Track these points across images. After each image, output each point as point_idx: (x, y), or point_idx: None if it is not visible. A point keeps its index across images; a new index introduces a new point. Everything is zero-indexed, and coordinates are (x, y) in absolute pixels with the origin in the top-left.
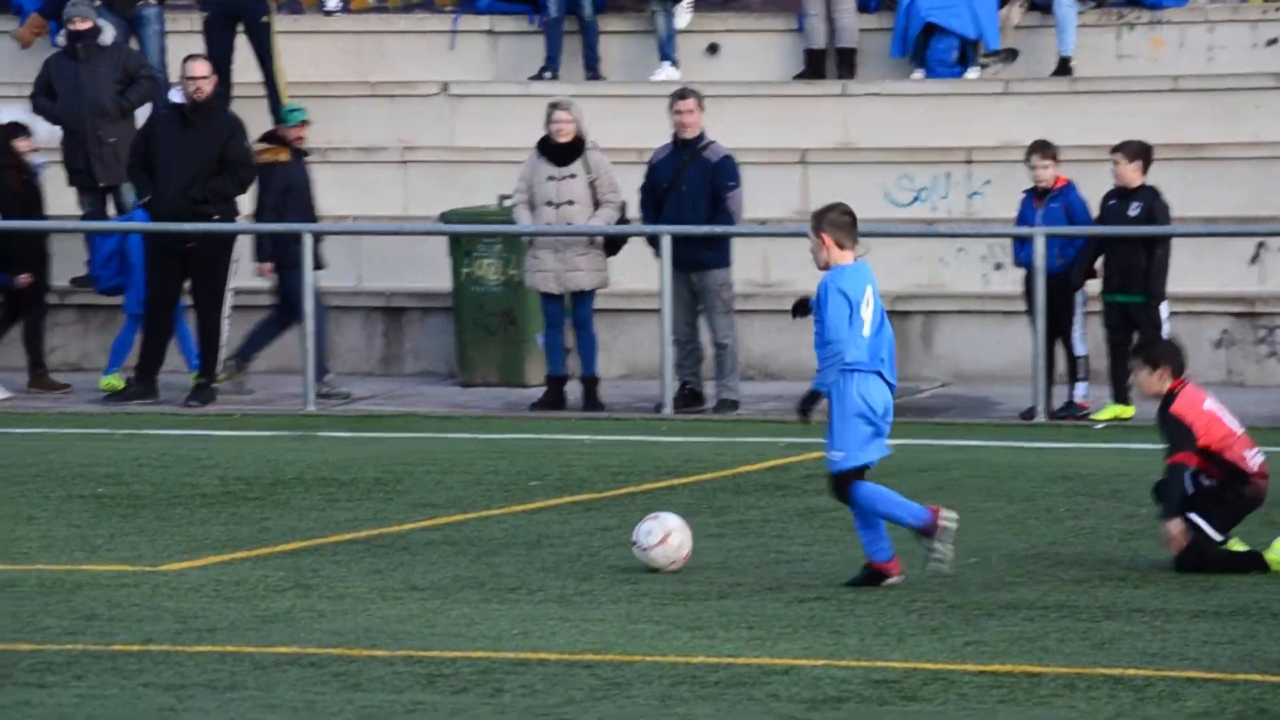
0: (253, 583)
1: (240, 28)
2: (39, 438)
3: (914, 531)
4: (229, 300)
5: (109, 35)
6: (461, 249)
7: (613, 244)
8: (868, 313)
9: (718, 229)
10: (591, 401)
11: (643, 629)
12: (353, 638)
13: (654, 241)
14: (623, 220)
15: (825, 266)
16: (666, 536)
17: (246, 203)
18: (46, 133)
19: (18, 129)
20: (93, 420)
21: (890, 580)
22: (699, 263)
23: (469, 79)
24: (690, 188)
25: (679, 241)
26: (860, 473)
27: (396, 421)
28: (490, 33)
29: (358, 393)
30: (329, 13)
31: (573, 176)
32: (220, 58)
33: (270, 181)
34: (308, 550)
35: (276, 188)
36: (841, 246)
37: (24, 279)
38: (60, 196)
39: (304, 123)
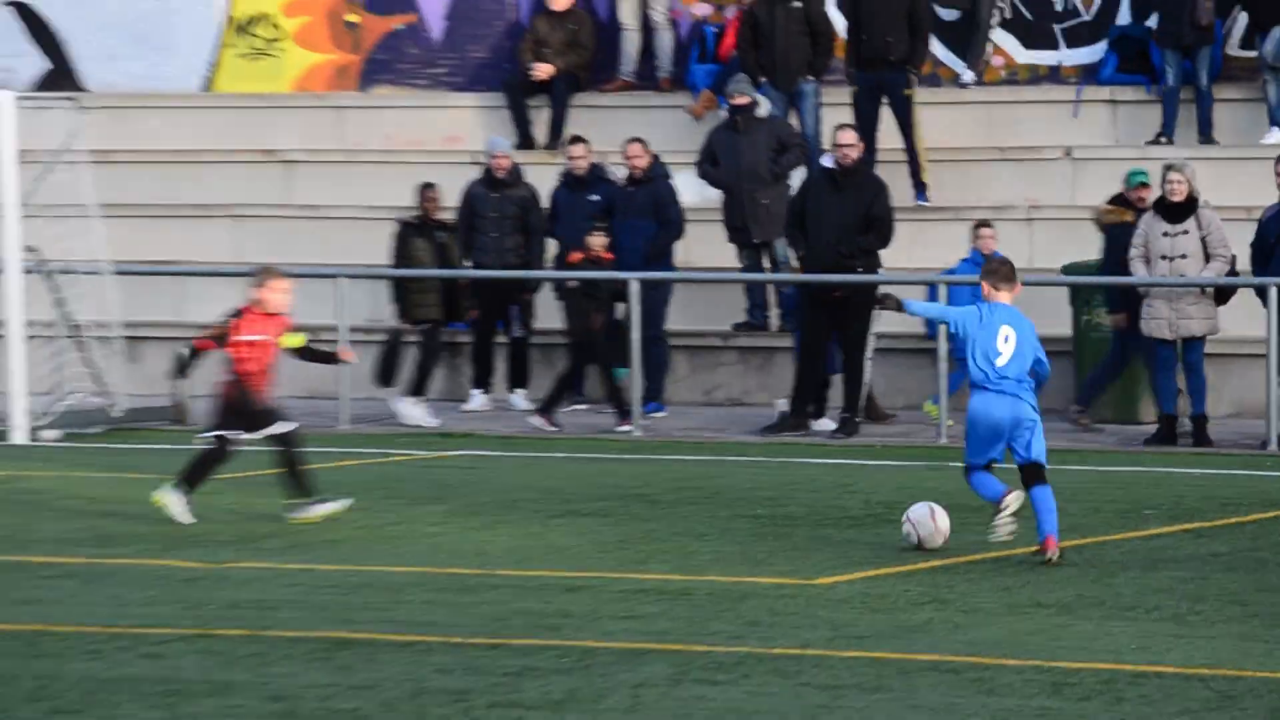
0: (895, 596)
1: (885, 100)
2: (707, 464)
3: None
4: (872, 344)
5: (764, 109)
6: (1081, 298)
7: (1222, 294)
8: (1006, 346)
9: None
10: (1201, 438)
11: (1253, 647)
12: (986, 648)
13: (1261, 293)
14: (1232, 272)
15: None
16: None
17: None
18: (714, 196)
19: None
20: (752, 449)
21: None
22: None
23: (1091, 143)
24: None
25: None
26: (974, 469)
27: None
28: (1111, 101)
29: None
30: (964, 85)
31: (1185, 233)
32: (867, 126)
33: (1117, 241)
34: (943, 568)
35: (1120, 246)
36: (996, 289)
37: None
38: (722, 251)
39: (1145, 184)
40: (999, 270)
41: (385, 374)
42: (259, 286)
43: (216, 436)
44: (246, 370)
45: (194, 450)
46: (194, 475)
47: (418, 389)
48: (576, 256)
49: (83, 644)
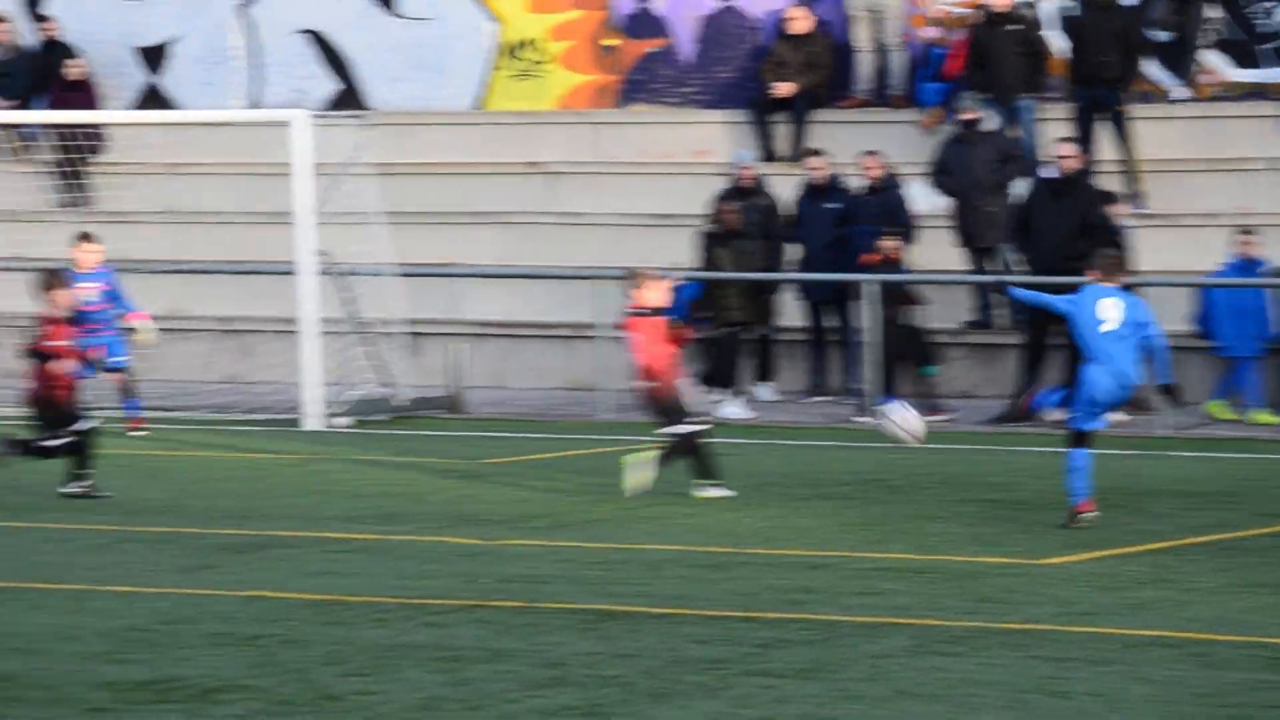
0: (1120, 575)
1: (1101, 114)
2: (940, 452)
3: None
4: None
5: (990, 123)
6: None
7: None
8: (1110, 314)
9: None
10: None
11: None
12: (1206, 624)
13: None
14: None
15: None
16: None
17: None
18: (942, 203)
19: None
20: (980, 439)
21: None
22: None
23: None
24: None
25: None
26: (1081, 435)
27: (1237, 444)
28: None
29: (1191, 421)
30: (1175, 101)
31: None
32: (1084, 139)
33: None
34: (1165, 550)
35: None
36: (1105, 278)
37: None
38: (950, 253)
39: None
40: (1105, 264)
41: (721, 377)
42: (636, 289)
43: (679, 435)
44: (661, 368)
45: (665, 453)
46: (700, 464)
47: (728, 385)
48: (873, 258)
49: (371, 613)
